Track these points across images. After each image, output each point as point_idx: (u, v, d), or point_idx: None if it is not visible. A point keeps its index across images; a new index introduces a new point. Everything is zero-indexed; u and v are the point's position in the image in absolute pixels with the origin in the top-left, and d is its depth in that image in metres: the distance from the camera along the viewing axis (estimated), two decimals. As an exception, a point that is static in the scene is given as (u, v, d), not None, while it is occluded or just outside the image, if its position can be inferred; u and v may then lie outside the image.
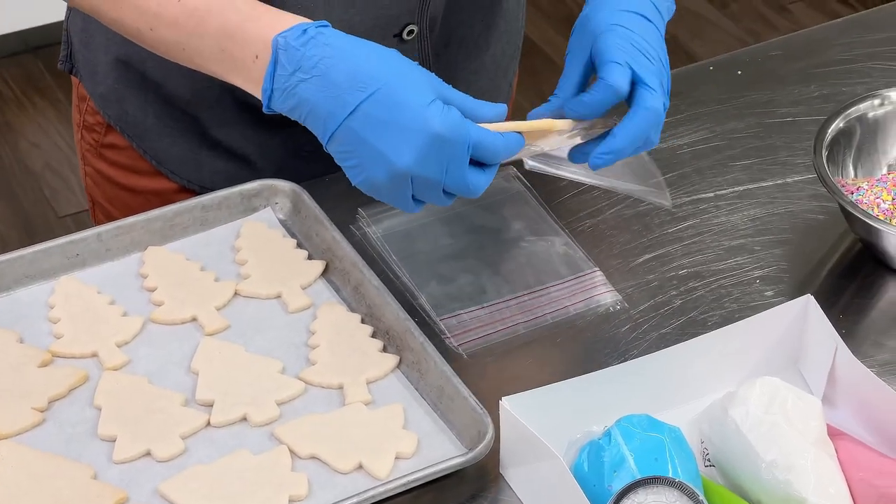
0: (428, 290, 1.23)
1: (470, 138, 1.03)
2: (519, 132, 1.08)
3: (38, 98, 2.99)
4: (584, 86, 1.16)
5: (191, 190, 1.40)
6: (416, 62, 1.07)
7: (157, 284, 1.21)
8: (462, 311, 1.21)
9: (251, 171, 1.37)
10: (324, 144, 1.06)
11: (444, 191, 1.06)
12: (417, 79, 1.04)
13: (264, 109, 1.08)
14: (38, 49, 3.08)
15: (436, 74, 1.34)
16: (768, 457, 1.05)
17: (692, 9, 3.32)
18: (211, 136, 1.37)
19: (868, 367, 1.16)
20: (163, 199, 1.40)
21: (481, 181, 1.07)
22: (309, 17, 1.23)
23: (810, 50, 1.51)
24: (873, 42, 1.52)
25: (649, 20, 1.17)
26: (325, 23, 1.07)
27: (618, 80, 1.11)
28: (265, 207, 1.29)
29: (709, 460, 1.10)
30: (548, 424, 1.07)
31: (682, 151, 1.39)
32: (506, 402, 1.06)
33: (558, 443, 1.08)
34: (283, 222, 1.28)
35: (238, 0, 1.10)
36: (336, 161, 1.07)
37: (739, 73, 1.48)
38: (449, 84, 1.37)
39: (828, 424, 1.10)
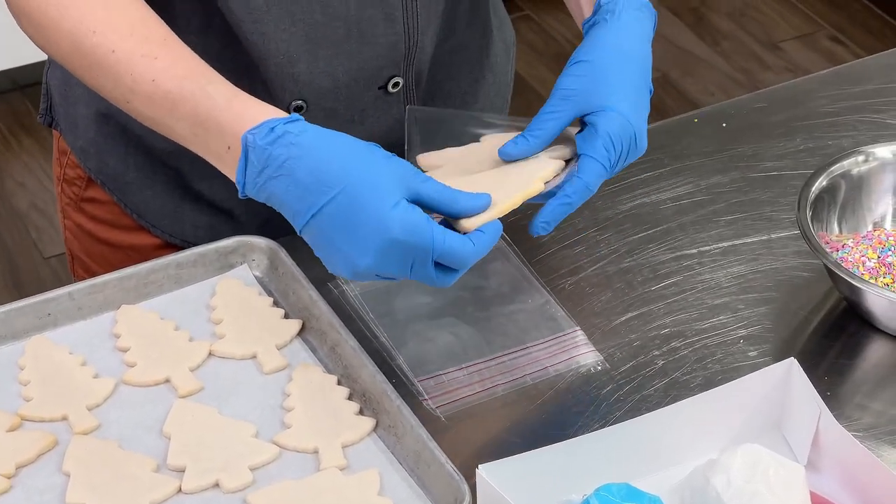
0: (406, 351, 1.21)
1: (433, 245, 1.03)
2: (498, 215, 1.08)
3: (25, 136, 2.97)
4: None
5: (172, 245, 1.38)
6: (394, 154, 1.06)
7: (129, 344, 1.19)
8: (440, 373, 1.19)
9: (234, 224, 1.35)
10: (299, 233, 1.07)
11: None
12: (382, 178, 1.03)
13: (240, 196, 1.08)
14: (25, 87, 3.06)
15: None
16: (750, 527, 1.03)
17: (684, 47, 3.31)
18: (193, 189, 1.35)
19: (852, 432, 1.15)
20: (143, 254, 1.38)
21: (448, 279, 1.07)
22: (292, 69, 1.23)
23: (796, 102, 1.50)
24: (859, 94, 1.50)
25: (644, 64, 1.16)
26: (296, 117, 1.07)
27: (593, 181, 1.11)
28: (241, 264, 1.27)
29: (690, 529, 1.08)
30: (526, 493, 1.05)
31: (665, 206, 1.37)
32: (482, 471, 1.04)
33: (536, 512, 1.06)
34: (259, 280, 1.26)
35: (210, 86, 1.09)
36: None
37: (724, 125, 1.47)
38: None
39: (812, 492, 1.08)
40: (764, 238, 1.34)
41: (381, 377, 1.15)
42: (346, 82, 1.26)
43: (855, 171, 1.30)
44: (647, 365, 1.22)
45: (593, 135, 1.11)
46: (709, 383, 1.20)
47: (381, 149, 1.06)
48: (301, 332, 1.22)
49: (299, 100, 1.26)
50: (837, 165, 1.29)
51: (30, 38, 1.18)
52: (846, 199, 1.30)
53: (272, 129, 1.05)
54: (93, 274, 1.44)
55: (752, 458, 1.06)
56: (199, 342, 1.20)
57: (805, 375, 1.12)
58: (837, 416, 1.16)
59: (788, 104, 1.49)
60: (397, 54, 1.27)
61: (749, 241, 1.34)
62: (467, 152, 1.17)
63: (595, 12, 1.16)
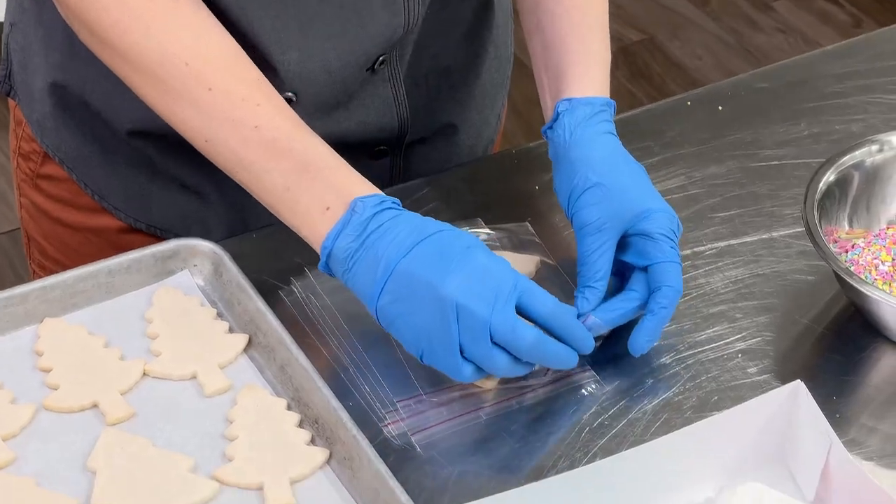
0: (371, 372, 1.07)
1: (517, 282, 1.00)
2: None
3: (-29, 101, 2.82)
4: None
5: (136, 230, 1.27)
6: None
7: (52, 364, 1.06)
8: (408, 397, 1.06)
9: (205, 206, 1.24)
10: (374, 301, 1.02)
11: (492, 341, 0.99)
12: (473, 239, 1.02)
13: (320, 267, 1.04)
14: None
15: (416, 105, 1.24)
16: (752, 581, 0.90)
17: (670, 6, 3.17)
18: (160, 170, 1.23)
19: (865, 461, 1.03)
20: (103, 238, 1.27)
21: (529, 335, 1.00)
22: (282, 57, 1.14)
23: (800, 81, 1.36)
24: (870, 72, 1.37)
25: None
26: (399, 201, 1.05)
27: (678, 282, 1.08)
28: (182, 270, 1.13)
29: (683, 580, 0.95)
30: (496, 541, 0.93)
31: (655, 201, 1.23)
32: (446, 518, 0.91)
33: (508, 564, 0.93)
34: (202, 288, 1.13)
35: (322, 146, 1.06)
36: (384, 325, 1.03)
37: (720, 108, 1.33)
38: (433, 116, 1.27)
39: (820, 533, 0.96)
40: (765, 237, 1.21)
41: (335, 402, 1.02)
42: (338, 68, 1.16)
43: (868, 161, 1.17)
44: (636, 384, 1.08)
45: (652, 242, 1.08)
46: (703, 404, 1.07)
47: None
48: (247, 349, 1.09)
49: (289, 91, 1.16)
50: (849, 156, 1.16)
51: (95, 52, 1.09)
52: (858, 193, 1.17)
53: (382, 200, 1.03)
54: (50, 259, 1.34)
55: (753, 499, 0.94)
56: (132, 361, 1.07)
57: (813, 401, 0.99)
58: (849, 443, 1.05)
59: (791, 84, 1.36)
60: (394, 36, 1.16)
61: (748, 240, 1.20)
62: None
63: (555, 119, 1.13)
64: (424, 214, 1.12)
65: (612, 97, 1.15)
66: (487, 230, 1.19)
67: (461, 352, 1.00)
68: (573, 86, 1.13)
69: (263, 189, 1.06)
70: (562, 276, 1.15)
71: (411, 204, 1.22)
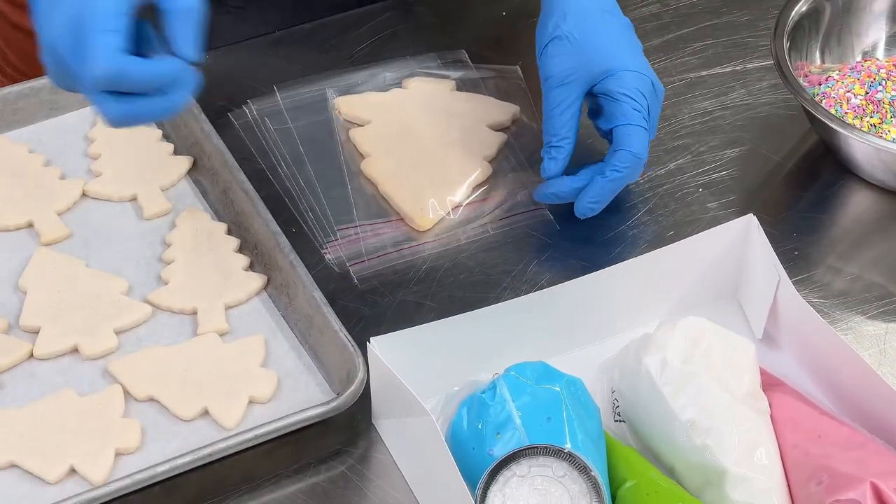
0: (318, 199, 1.04)
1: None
2: None
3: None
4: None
5: None
6: None
7: (-10, 182, 1.04)
8: (354, 225, 1.03)
9: None
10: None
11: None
12: None
13: None
14: None
15: None
16: (685, 416, 0.87)
17: None
18: None
19: (821, 300, 1.00)
20: None
21: (99, 67, 0.83)
22: None
23: None
24: None
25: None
26: None
27: (639, 147, 1.01)
28: (129, 90, 1.10)
29: (619, 414, 0.92)
30: (426, 371, 0.90)
31: (625, 30, 1.18)
32: (375, 344, 0.89)
33: (437, 394, 0.91)
34: (148, 108, 1.10)
35: None
36: None
37: (703, -68, 1.27)
38: None
39: (766, 371, 0.93)
40: (737, 68, 1.16)
41: (275, 227, 0.99)
42: None
43: (842, -10, 1.11)
44: (590, 218, 1.05)
45: (615, 103, 1.01)
46: (659, 239, 1.04)
47: None
48: (192, 172, 1.06)
49: None
50: (822, -16, 1.11)
51: None
52: (831, 24, 1.11)
53: None
54: (10, 65, 1.29)
55: (693, 334, 0.90)
56: (72, 181, 1.04)
57: (764, 234, 0.95)
58: (806, 281, 1.01)
59: None
60: None
61: (719, 71, 1.16)
62: (391, 99, 1.09)
63: None
64: (401, 45, 1.07)
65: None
66: (468, 67, 1.14)
67: None
68: None
69: None
70: (538, 136, 1.07)
71: (384, 27, 1.17)
